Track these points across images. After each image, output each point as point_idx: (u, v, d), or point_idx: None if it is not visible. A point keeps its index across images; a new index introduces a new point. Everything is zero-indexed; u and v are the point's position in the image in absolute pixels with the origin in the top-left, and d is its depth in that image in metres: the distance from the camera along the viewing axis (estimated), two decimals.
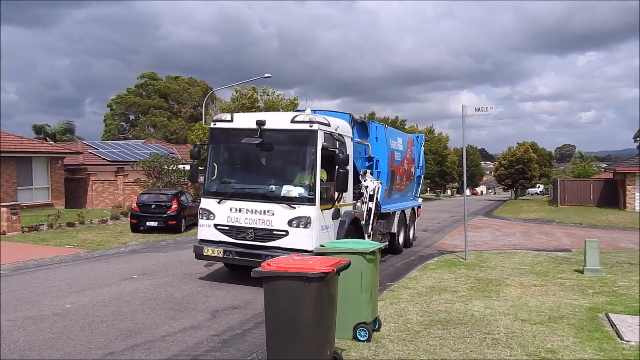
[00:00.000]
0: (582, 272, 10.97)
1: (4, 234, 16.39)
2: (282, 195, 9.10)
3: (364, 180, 11.76)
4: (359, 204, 11.49)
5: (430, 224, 25.43)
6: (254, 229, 9.14)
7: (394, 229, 13.85)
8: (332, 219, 9.45)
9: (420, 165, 16.88)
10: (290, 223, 8.90)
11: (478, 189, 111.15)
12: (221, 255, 9.29)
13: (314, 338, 4.85)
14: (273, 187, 9.34)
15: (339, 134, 9.86)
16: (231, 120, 9.78)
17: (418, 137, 17.41)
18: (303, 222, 8.81)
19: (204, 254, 9.47)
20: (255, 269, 5.22)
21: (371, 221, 11.60)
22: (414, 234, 16.60)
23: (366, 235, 11.18)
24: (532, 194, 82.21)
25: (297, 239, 8.82)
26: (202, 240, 9.62)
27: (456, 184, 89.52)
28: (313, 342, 4.84)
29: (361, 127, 12.81)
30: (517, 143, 69.31)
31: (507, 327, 6.97)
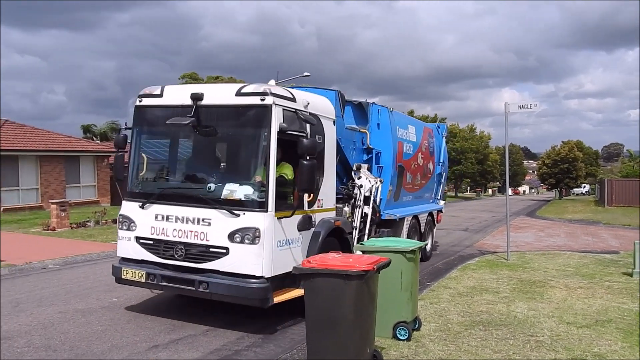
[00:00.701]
0: (631, 274, 10.58)
1: (54, 230, 17.03)
2: (222, 197, 6.62)
3: (358, 178, 9.18)
4: (347, 208, 8.84)
5: (471, 223, 25.03)
6: (184, 244, 6.67)
7: (404, 237, 10.92)
8: (299, 230, 6.94)
9: (442, 160, 13.90)
10: (231, 237, 6.37)
11: (520, 189, 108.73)
12: (143, 280, 6.89)
13: (353, 336, 4.86)
14: (211, 185, 6.85)
15: (310, 114, 7.18)
16: (160, 95, 7.26)
17: (439, 126, 14.40)
18: (249, 235, 6.28)
19: (123, 277, 7.11)
20: (296, 266, 5.25)
21: (367, 230, 9.07)
22: (432, 244, 13.93)
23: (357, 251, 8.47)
24: (577, 194, 79.86)
25: (241, 259, 6.32)
26: (122, 259, 7.30)
27: (497, 183, 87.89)
28: (353, 340, 4.86)
29: (358, 110, 10.33)
30: (562, 141, 67.73)
31: (552, 329, 6.80)
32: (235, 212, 6.41)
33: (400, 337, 6.20)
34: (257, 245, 6.29)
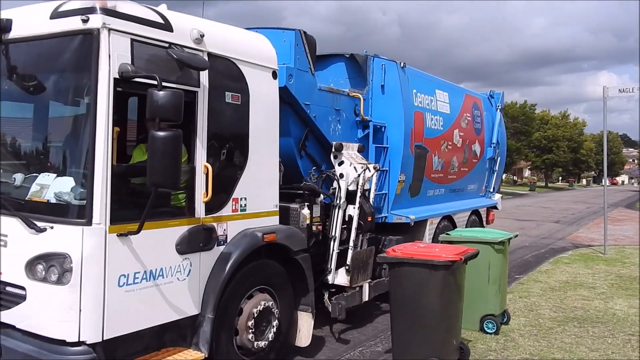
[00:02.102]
0: None
1: None
2: (28, 197, 3.84)
3: (338, 163, 6.03)
4: (306, 210, 5.51)
5: (563, 215, 23.82)
6: None
7: None
8: (182, 252, 4.06)
9: (496, 140, 10.25)
10: (30, 269, 3.65)
11: (618, 179, 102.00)
12: None
13: (439, 326, 4.77)
14: (17, 177, 4.04)
15: (211, 55, 4.26)
16: None
17: (492, 95, 10.68)
18: (55, 268, 3.54)
19: None
20: (380, 255, 5.22)
21: (351, 242, 5.91)
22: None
23: (331, 275, 5.81)
24: None
25: (42, 310, 3.61)
26: None
27: (592, 172, 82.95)
28: (438, 331, 4.77)
29: (354, 67, 7.34)
30: None
31: None
32: (40, 225, 3.60)
33: (488, 331, 6.02)
34: (67, 286, 3.48)
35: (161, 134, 3.48)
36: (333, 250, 5.88)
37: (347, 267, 5.85)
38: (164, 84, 3.63)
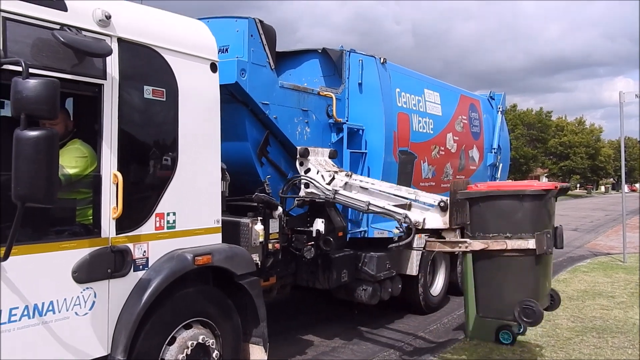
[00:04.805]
0: None
1: None
2: None
3: (305, 171, 5.60)
4: (259, 226, 4.70)
5: (581, 222, 23.48)
6: None
7: (413, 268, 6.87)
8: (80, 280, 3.23)
9: (496, 145, 9.44)
10: None
11: (637, 185, 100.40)
12: None
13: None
14: None
15: (123, 40, 3.46)
16: None
17: (492, 97, 9.92)
18: None
19: None
20: (462, 191, 4.47)
21: (321, 261, 5.63)
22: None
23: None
24: None
25: None
26: None
27: (611, 179, 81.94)
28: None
29: (329, 64, 6.60)
30: None
31: None
32: None
33: (504, 342, 5.88)
34: None
35: (28, 134, 2.71)
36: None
37: None
38: (47, 72, 2.98)
